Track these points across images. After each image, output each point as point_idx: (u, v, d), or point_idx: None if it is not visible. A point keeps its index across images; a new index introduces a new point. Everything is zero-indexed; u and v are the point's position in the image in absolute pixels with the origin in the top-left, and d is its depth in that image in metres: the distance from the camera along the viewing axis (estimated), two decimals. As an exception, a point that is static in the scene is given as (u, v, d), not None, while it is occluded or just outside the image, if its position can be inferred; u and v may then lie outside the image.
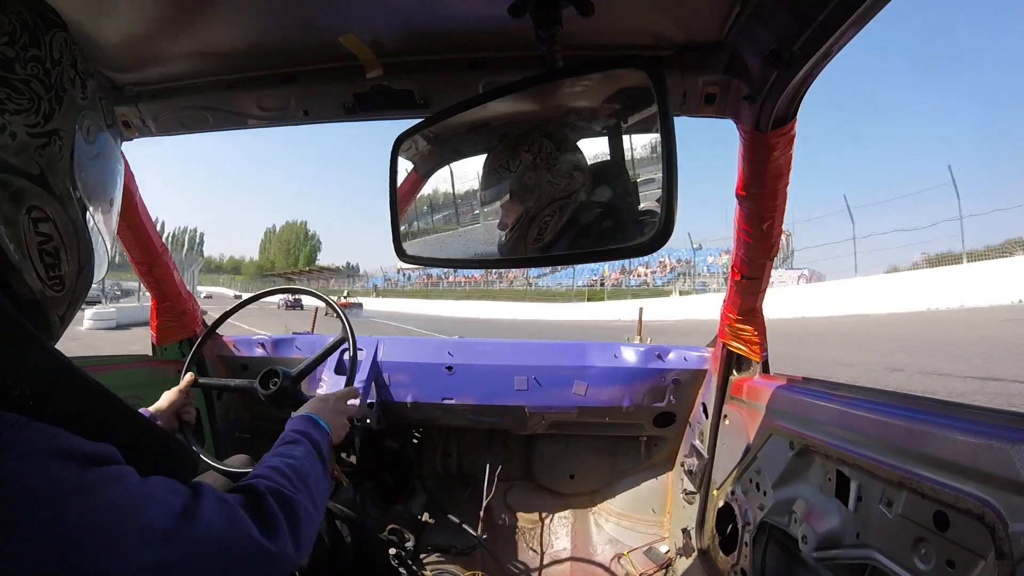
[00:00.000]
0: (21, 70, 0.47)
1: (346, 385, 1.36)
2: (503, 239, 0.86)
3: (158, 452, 0.56)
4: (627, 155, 0.78)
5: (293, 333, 2.09)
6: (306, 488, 0.69)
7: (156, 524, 0.46)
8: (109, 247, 0.63)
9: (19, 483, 0.40)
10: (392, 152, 0.94)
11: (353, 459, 1.46)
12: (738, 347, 1.43)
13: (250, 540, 0.55)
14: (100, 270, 0.61)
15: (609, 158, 0.80)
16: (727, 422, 1.45)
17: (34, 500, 0.40)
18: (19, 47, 0.47)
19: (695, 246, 27.49)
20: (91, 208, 0.56)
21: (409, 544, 1.72)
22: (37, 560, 0.40)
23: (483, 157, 0.88)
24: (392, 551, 1.61)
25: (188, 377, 1.33)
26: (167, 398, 1.26)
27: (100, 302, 24.23)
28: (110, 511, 0.44)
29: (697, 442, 1.65)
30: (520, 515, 2.07)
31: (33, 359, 0.46)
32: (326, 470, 0.81)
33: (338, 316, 1.54)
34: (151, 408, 1.23)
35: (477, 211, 0.91)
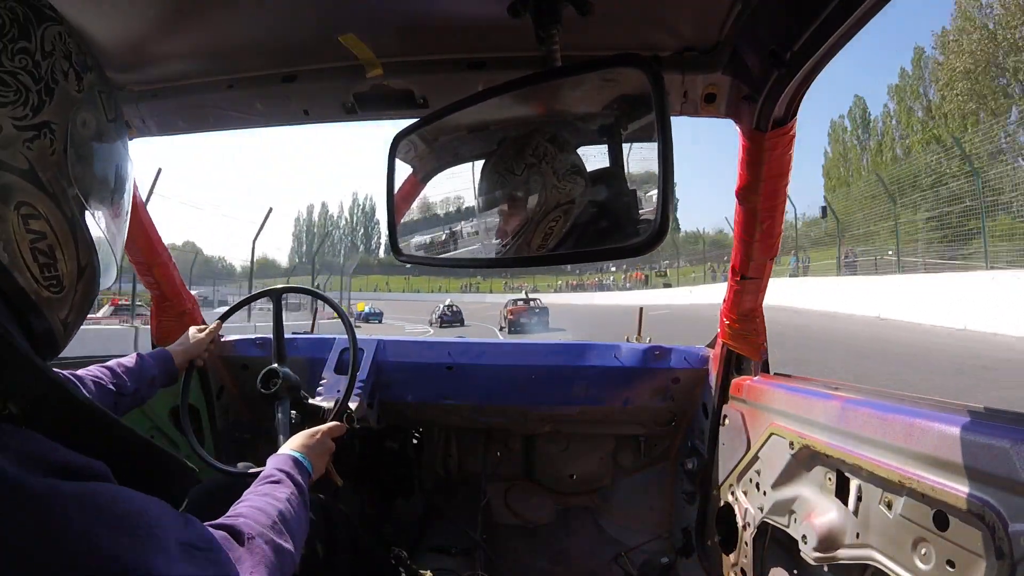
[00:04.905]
0: (8, 62, 0.46)
1: (347, 384, 1.36)
2: (505, 243, 0.85)
3: (154, 468, 0.54)
4: (626, 160, 0.78)
5: (292, 333, 2.09)
6: (289, 534, 0.70)
7: (153, 542, 0.45)
8: (118, 250, 0.61)
9: (21, 488, 0.39)
10: (390, 151, 0.93)
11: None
12: (738, 347, 1.43)
13: None
14: (108, 274, 0.59)
15: (609, 162, 0.80)
16: (727, 422, 1.45)
17: (34, 505, 0.39)
18: (7, 40, 0.46)
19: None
20: (92, 206, 0.54)
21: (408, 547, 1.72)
22: (45, 555, 0.38)
23: (482, 161, 0.88)
24: (392, 550, 1.61)
25: (215, 325, 1.45)
26: (189, 340, 1.37)
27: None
28: (111, 520, 0.43)
29: (697, 442, 1.65)
30: (520, 515, 2.07)
31: (20, 376, 0.44)
32: (307, 513, 0.81)
33: (339, 315, 1.55)
34: (171, 347, 1.32)
35: (476, 214, 0.90)
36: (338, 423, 1.17)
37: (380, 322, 29.91)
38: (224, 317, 1.52)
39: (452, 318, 26.32)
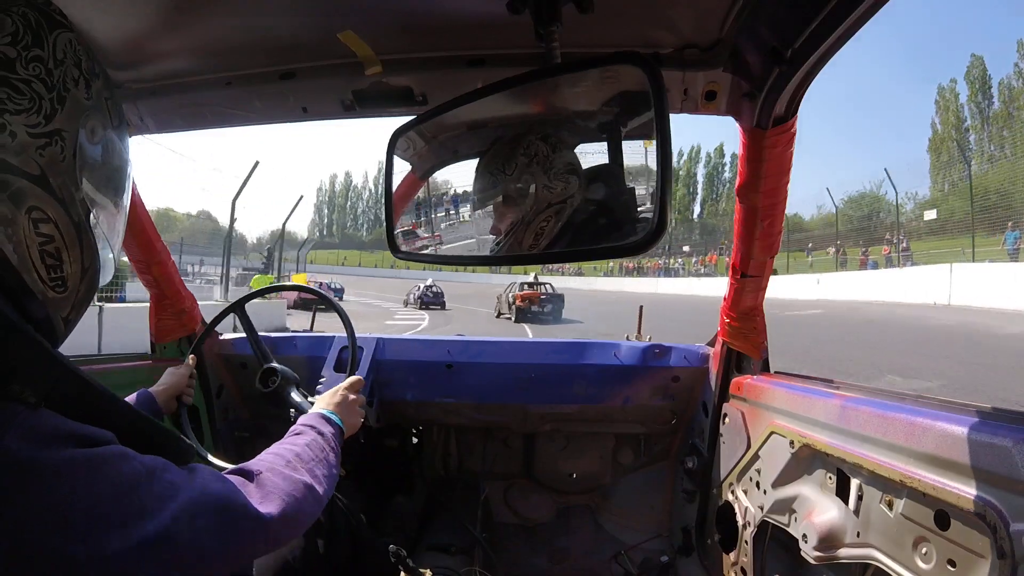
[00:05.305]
0: (22, 70, 0.47)
1: None
2: (498, 240, 0.85)
3: (155, 447, 0.56)
4: (625, 159, 0.78)
5: (292, 332, 2.09)
6: (307, 470, 0.71)
7: (156, 495, 0.50)
8: (116, 250, 0.63)
9: (34, 465, 0.43)
10: (388, 147, 0.93)
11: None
12: (738, 345, 1.42)
13: (246, 510, 0.58)
14: (106, 272, 0.61)
15: (607, 161, 0.80)
16: (727, 420, 1.44)
17: (47, 479, 0.43)
18: (21, 47, 0.47)
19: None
20: (96, 210, 0.56)
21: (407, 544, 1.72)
22: (48, 535, 0.42)
23: (478, 159, 0.87)
24: (390, 548, 1.61)
25: (191, 360, 1.38)
26: (169, 379, 1.30)
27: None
28: (116, 486, 0.47)
29: (697, 440, 1.65)
30: (520, 513, 2.07)
31: (34, 364, 0.47)
32: (332, 458, 0.82)
33: (336, 312, 1.54)
34: (152, 388, 1.27)
35: (472, 213, 0.90)
36: (356, 377, 1.14)
37: (340, 299, 25.88)
38: (197, 344, 1.52)
39: (432, 299, 23.42)
